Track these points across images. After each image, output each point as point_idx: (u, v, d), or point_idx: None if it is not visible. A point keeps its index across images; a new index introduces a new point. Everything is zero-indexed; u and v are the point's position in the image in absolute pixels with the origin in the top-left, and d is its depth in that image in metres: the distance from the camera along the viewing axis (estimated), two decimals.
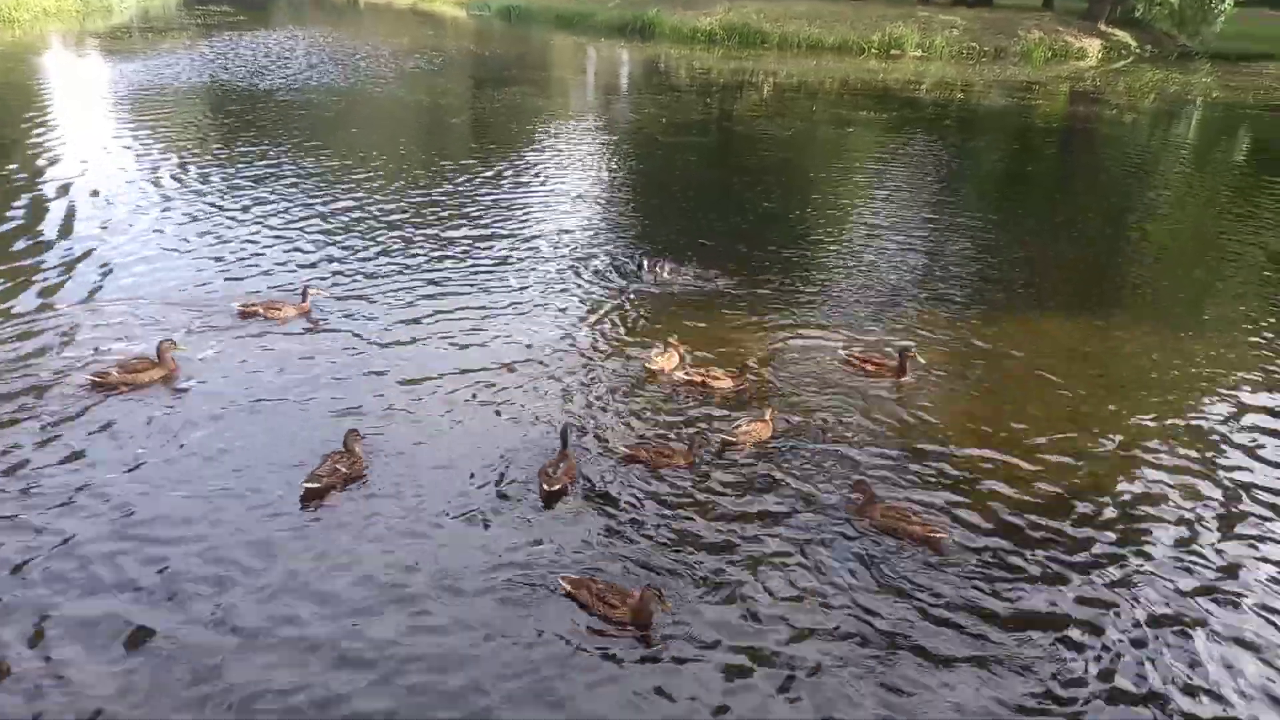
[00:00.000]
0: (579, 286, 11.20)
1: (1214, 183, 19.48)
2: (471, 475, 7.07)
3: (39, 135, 18.03)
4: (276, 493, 6.75)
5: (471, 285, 11.06)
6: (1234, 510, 7.13)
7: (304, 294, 9.95)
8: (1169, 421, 8.46)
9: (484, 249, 12.43)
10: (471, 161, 17.78)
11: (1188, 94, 32.69)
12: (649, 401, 8.43)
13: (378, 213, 13.88)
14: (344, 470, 6.84)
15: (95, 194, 14.17)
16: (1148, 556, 6.50)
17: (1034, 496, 7.16)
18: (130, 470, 6.94)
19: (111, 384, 8.05)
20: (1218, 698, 5.33)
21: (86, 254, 11.49)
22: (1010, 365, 9.51)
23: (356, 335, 9.53)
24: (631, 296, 10.94)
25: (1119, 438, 8.08)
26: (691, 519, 6.71)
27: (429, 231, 13.08)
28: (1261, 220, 15.85)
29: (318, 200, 14.41)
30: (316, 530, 6.38)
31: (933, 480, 7.33)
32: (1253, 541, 6.75)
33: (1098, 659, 5.54)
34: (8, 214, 13.09)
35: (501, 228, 13.43)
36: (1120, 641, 5.68)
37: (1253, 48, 47.56)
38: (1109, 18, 45.61)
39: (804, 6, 42.90)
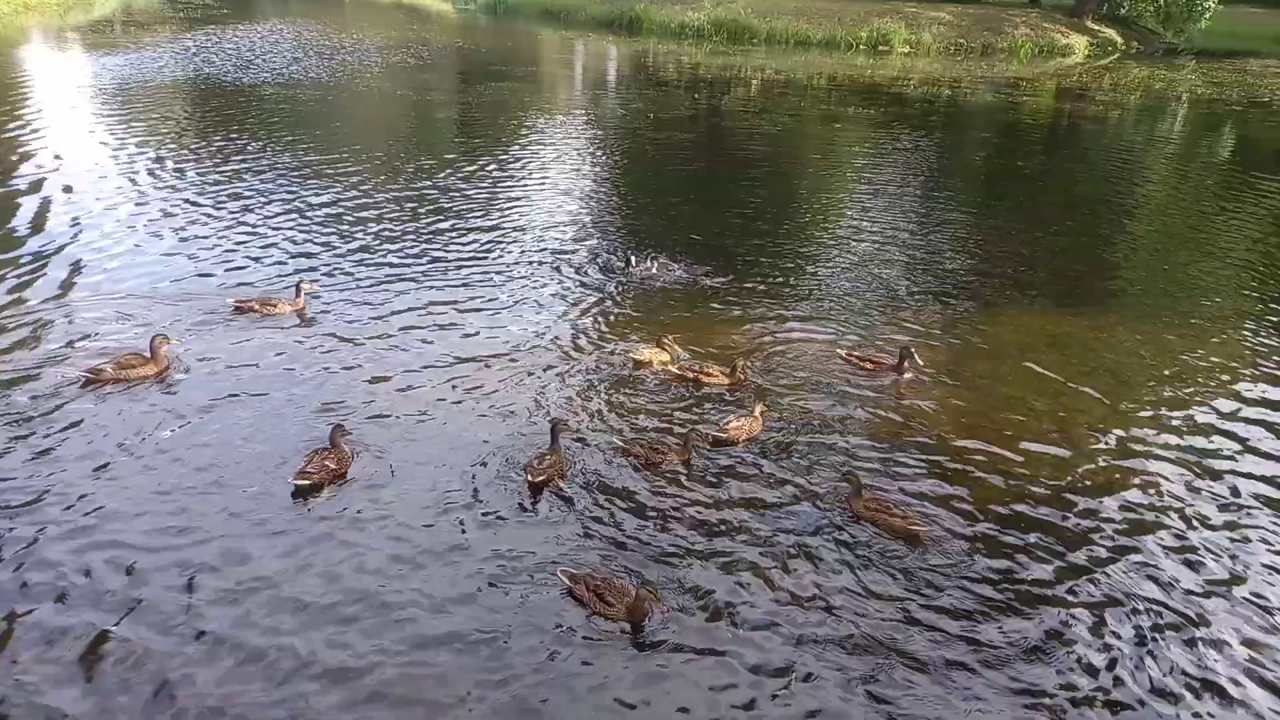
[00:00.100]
0: (568, 283, 11.07)
1: (1199, 178, 19.58)
2: (460, 472, 6.96)
3: (18, 130, 17.69)
4: (259, 491, 6.61)
5: (461, 282, 10.91)
6: (1227, 503, 7.09)
7: (298, 290, 9.85)
8: (1161, 414, 8.45)
9: (473, 246, 12.27)
10: (458, 157, 17.60)
11: (1173, 90, 32.85)
12: (640, 397, 8.33)
13: (365, 208, 13.70)
14: (332, 466, 6.76)
15: (82, 191, 13.91)
16: (1143, 551, 6.45)
17: (1030, 496, 7.09)
18: (101, 467, 6.78)
19: (105, 379, 7.94)
20: (1218, 697, 5.27)
21: (76, 250, 11.29)
22: (1000, 360, 9.46)
23: (349, 330, 9.40)
24: (620, 293, 10.85)
25: (1112, 431, 8.04)
26: (683, 516, 6.61)
27: (415, 226, 12.92)
28: (1245, 214, 15.95)
29: (304, 195, 14.19)
30: (306, 527, 6.25)
31: (923, 473, 7.29)
32: (1246, 533, 6.72)
33: (1093, 659, 5.47)
34: None
35: (493, 225, 13.25)
36: (1119, 641, 5.61)
37: (1237, 44, 47.93)
38: (1095, 14, 45.87)
39: (792, 2, 42.89)
